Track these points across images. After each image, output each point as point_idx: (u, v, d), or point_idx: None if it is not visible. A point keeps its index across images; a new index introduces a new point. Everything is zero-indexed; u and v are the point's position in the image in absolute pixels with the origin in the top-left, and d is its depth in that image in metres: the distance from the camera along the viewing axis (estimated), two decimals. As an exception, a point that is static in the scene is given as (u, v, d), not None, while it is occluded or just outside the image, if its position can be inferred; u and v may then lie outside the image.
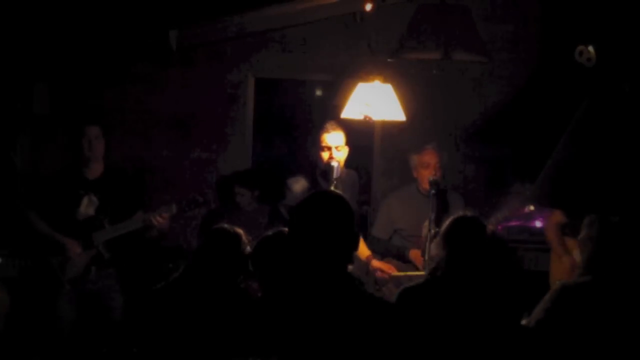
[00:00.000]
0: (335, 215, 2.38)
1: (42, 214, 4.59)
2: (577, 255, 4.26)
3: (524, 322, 3.16)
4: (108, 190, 4.68)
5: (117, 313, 4.67)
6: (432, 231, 4.40)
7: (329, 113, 5.08)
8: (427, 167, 4.78)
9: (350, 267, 2.45)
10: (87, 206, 4.64)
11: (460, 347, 3.05)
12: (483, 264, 3.22)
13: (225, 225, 3.40)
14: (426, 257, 4.43)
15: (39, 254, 4.57)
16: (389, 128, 5.43)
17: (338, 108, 4.63)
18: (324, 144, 4.60)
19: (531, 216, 5.48)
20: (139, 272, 4.83)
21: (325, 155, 4.59)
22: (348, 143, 4.68)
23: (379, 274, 4.71)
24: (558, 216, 4.63)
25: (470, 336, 3.08)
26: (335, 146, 4.58)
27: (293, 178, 4.74)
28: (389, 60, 4.83)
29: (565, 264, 4.61)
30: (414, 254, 4.73)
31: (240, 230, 3.39)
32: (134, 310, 3.42)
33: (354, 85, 4.50)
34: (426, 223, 4.70)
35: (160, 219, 4.57)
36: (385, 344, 2.30)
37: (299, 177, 4.74)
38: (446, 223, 3.37)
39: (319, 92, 6.48)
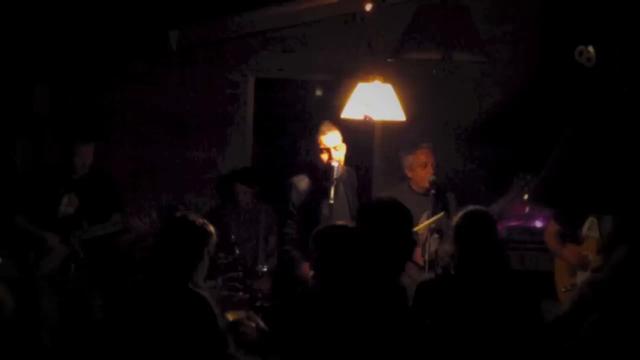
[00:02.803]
0: (401, 223, 2.44)
1: (22, 210, 4.64)
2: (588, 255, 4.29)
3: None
4: (89, 190, 4.74)
5: (98, 313, 4.67)
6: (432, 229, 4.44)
7: (329, 113, 5.08)
8: (425, 166, 4.80)
9: None
10: (67, 205, 4.68)
11: (476, 342, 3.07)
12: (493, 259, 3.27)
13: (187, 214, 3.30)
14: (426, 257, 4.44)
15: (18, 249, 4.59)
16: (389, 128, 5.43)
17: (338, 108, 4.63)
18: (322, 146, 4.60)
19: (531, 216, 5.48)
20: (116, 272, 4.83)
21: (324, 156, 4.60)
22: (345, 141, 4.68)
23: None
24: (554, 225, 4.61)
25: (485, 331, 3.11)
26: (333, 146, 4.59)
27: (297, 177, 4.76)
28: (389, 60, 4.83)
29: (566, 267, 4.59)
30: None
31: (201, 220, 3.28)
32: (114, 309, 3.33)
33: (354, 85, 4.50)
34: (422, 219, 4.72)
35: (139, 222, 4.60)
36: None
37: (302, 175, 4.76)
38: (456, 218, 3.40)
39: (319, 92, 6.47)
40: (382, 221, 2.52)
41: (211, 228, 3.25)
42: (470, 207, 3.44)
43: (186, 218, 3.23)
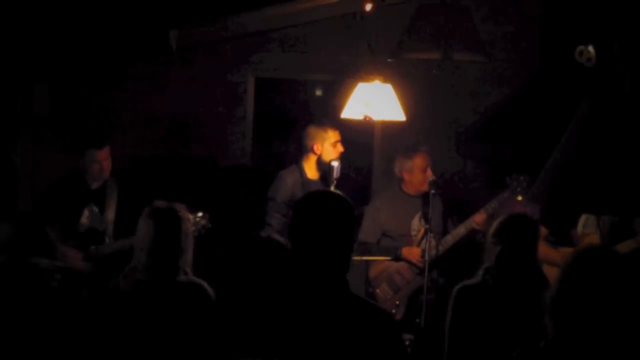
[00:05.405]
0: (339, 218, 2.34)
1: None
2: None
3: None
4: (110, 201, 4.60)
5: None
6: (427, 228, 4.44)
7: (329, 113, 5.08)
8: (425, 171, 4.81)
9: None
10: (88, 217, 4.56)
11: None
12: (534, 263, 3.28)
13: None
14: (426, 257, 4.44)
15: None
16: (389, 128, 5.43)
17: (338, 108, 4.63)
18: (334, 140, 4.59)
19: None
20: None
21: (339, 147, 4.59)
22: (345, 141, 4.69)
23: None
24: (542, 230, 4.09)
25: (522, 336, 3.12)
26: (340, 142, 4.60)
27: (287, 169, 4.72)
28: (389, 60, 4.83)
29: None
30: (407, 251, 4.72)
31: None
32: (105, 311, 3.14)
33: (354, 85, 4.50)
34: (415, 220, 4.73)
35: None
36: (379, 352, 2.26)
37: (293, 167, 4.72)
38: (499, 220, 3.39)
39: (319, 92, 6.47)
40: (317, 217, 2.32)
41: (184, 212, 3.12)
42: (515, 212, 3.46)
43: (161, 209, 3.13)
